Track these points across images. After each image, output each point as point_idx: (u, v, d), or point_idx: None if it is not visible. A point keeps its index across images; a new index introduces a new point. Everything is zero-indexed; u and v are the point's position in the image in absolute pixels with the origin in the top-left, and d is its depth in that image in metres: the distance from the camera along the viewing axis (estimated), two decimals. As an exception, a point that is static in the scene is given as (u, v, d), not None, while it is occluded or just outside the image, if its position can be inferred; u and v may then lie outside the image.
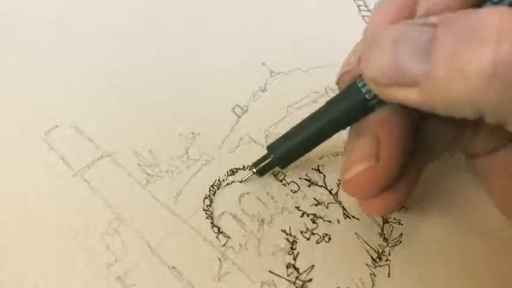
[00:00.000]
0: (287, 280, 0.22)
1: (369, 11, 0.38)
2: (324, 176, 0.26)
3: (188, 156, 0.26)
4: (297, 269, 0.22)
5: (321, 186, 0.25)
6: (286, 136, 0.23)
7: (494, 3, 0.16)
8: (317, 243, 0.23)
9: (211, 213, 0.23)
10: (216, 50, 0.32)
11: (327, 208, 0.24)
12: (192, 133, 0.27)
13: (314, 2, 0.38)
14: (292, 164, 0.24)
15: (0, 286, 0.20)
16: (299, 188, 0.25)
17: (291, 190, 0.25)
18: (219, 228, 0.23)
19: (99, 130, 0.26)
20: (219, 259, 0.22)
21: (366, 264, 0.23)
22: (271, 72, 0.31)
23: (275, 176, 0.25)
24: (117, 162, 0.25)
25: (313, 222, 0.24)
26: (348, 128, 0.21)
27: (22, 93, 0.27)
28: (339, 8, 0.38)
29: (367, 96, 0.19)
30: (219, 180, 0.25)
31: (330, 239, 0.23)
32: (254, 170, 0.24)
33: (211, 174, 0.25)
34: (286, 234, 0.23)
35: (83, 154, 0.25)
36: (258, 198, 0.24)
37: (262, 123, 0.28)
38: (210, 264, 0.22)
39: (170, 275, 0.21)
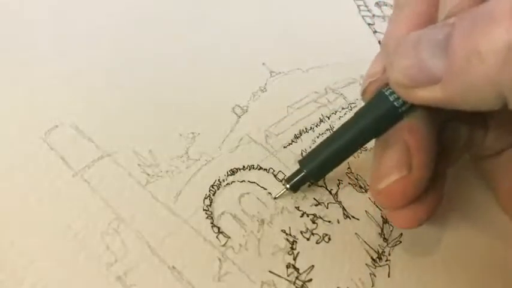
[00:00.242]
0: (287, 280, 0.22)
1: (369, 11, 0.38)
2: (324, 176, 0.26)
3: (188, 156, 0.26)
4: (297, 269, 0.22)
5: (321, 186, 0.25)
6: (317, 150, 0.22)
7: None
8: (317, 243, 0.23)
9: (211, 213, 0.23)
10: (216, 50, 0.32)
11: (327, 208, 0.24)
12: (192, 133, 0.27)
13: (314, 2, 0.38)
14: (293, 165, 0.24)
15: (0, 286, 0.20)
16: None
17: (291, 190, 0.25)
18: (219, 228, 0.23)
19: (99, 130, 0.26)
20: (219, 259, 0.22)
21: (366, 264, 0.23)
22: (271, 72, 0.31)
23: (275, 176, 0.25)
24: (117, 162, 0.25)
25: (313, 222, 0.24)
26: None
27: (22, 93, 0.27)
28: (339, 8, 0.38)
29: (395, 103, 0.19)
30: (219, 180, 0.25)
31: (329, 239, 0.23)
32: (288, 186, 0.24)
33: (211, 174, 0.25)
34: (286, 234, 0.23)
35: (83, 154, 0.25)
36: (258, 198, 0.24)
37: (262, 123, 0.28)
38: (210, 264, 0.22)
39: (170, 275, 0.21)
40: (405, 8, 0.21)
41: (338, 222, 0.24)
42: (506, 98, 0.14)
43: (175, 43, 0.32)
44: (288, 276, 0.22)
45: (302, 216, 0.24)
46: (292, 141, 0.27)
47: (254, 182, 0.23)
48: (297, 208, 0.24)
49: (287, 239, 0.23)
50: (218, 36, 0.33)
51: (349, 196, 0.25)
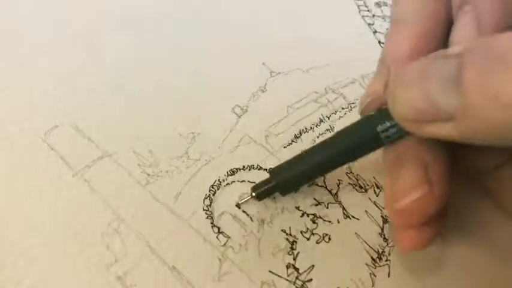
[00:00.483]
0: (287, 280, 0.22)
1: (369, 11, 0.38)
2: (324, 176, 0.26)
3: (188, 156, 0.26)
4: (297, 269, 0.22)
5: (321, 186, 0.25)
6: (291, 162, 0.22)
7: None
8: (317, 243, 0.23)
9: (211, 213, 0.23)
10: (216, 50, 0.32)
11: (327, 208, 0.24)
12: (192, 133, 0.27)
13: (314, 2, 0.38)
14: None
15: (0, 286, 0.20)
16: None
17: (291, 190, 0.25)
18: (219, 228, 0.23)
19: (99, 130, 0.26)
20: (219, 259, 0.22)
21: (366, 264, 0.23)
22: (271, 72, 0.31)
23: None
24: (117, 162, 0.25)
25: (313, 222, 0.24)
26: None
27: (22, 93, 0.27)
28: (339, 8, 0.38)
29: (381, 135, 0.18)
30: (219, 180, 0.25)
31: (330, 239, 0.23)
32: (253, 193, 0.23)
33: (211, 174, 0.25)
34: (286, 234, 0.23)
35: (83, 154, 0.25)
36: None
37: (262, 123, 0.28)
38: (210, 264, 0.22)
39: (170, 275, 0.21)
40: (403, 23, 0.20)
41: (338, 222, 0.24)
42: None
43: (176, 43, 0.32)
44: (288, 276, 0.22)
45: (302, 216, 0.24)
46: (292, 141, 0.27)
47: (254, 182, 0.23)
48: (297, 208, 0.24)
49: (287, 239, 0.23)
50: (218, 36, 0.33)
51: (349, 196, 0.25)
